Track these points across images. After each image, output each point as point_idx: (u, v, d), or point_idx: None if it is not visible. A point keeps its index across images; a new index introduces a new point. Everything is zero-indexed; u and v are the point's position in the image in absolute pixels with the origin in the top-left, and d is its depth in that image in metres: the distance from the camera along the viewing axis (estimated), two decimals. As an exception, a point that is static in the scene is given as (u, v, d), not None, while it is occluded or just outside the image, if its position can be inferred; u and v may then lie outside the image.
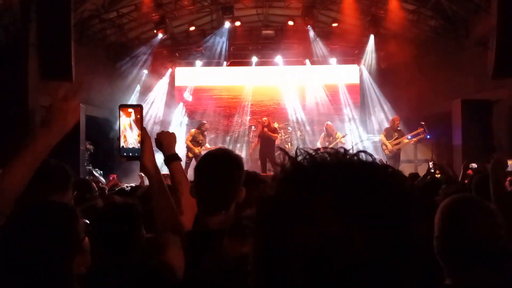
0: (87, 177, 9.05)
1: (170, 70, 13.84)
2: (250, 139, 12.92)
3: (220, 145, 12.58)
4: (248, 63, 13.82)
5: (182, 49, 13.90)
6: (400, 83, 12.97)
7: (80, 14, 10.70)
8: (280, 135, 12.07)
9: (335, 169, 0.60)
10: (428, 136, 11.09)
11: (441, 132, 11.12)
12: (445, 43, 11.82)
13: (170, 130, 2.14)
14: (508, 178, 3.98)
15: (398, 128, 10.36)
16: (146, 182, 7.01)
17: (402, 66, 12.46)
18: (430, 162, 7.66)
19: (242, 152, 12.99)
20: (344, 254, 0.55)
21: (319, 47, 13.06)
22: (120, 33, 12.48)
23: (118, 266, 1.70)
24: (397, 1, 11.16)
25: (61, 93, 1.51)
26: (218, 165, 1.76)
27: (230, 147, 13.05)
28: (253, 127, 13.11)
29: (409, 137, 10.29)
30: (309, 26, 12.39)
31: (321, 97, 13.78)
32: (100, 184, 7.50)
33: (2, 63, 7.99)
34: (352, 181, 0.58)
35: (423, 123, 10.49)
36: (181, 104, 13.88)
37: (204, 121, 11.71)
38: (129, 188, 4.97)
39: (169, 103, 13.65)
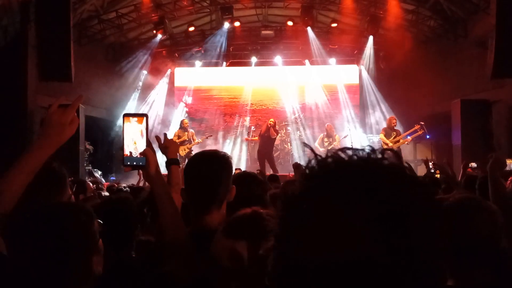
0: (87, 177, 9.07)
1: (169, 70, 13.85)
2: (251, 135, 12.89)
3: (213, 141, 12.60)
4: (247, 64, 13.83)
5: (181, 49, 13.91)
6: (399, 83, 12.99)
7: (80, 15, 10.71)
8: (279, 135, 12.08)
9: (364, 170, 0.59)
10: (428, 136, 11.10)
11: (441, 132, 11.13)
12: (444, 43, 11.83)
13: (170, 130, 2.24)
14: (510, 178, 3.97)
15: (395, 128, 10.38)
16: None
17: (401, 66, 12.47)
18: (430, 162, 7.66)
19: (241, 152, 13.00)
20: (375, 253, 0.54)
21: (318, 47, 13.07)
22: (120, 34, 12.48)
23: (114, 264, 1.71)
24: (396, 1, 11.18)
25: (54, 107, 1.53)
26: (206, 165, 1.79)
27: (230, 147, 13.07)
28: (252, 127, 13.11)
29: (408, 136, 10.30)
30: (308, 26, 12.39)
31: (320, 97, 13.79)
32: (99, 185, 7.50)
33: (1, 64, 7.98)
34: (381, 182, 0.57)
35: (422, 123, 10.50)
36: (181, 104, 13.88)
37: (182, 118, 11.93)
38: (127, 188, 4.96)
39: (169, 103, 13.66)
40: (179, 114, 13.71)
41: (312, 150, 0.68)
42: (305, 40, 12.99)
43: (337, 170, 0.60)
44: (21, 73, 8.22)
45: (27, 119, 8.49)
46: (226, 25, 12.38)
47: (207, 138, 11.59)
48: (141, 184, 6.22)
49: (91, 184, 4.60)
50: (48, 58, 8.05)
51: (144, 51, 12.73)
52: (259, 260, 1.17)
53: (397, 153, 0.63)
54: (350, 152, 0.62)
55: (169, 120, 13.44)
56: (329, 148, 11.05)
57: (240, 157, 12.89)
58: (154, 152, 1.68)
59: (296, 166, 4.69)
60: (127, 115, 1.70)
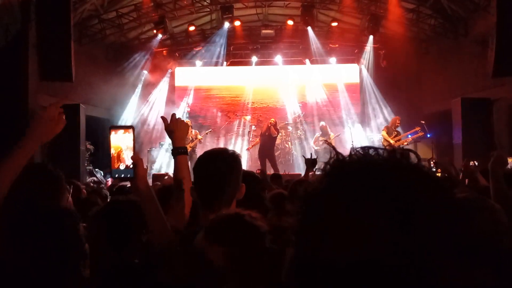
0: (87, 177, 9.07)
1: (170, 70, 13.84)
2: (250, 139, 12.92)
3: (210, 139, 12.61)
4: (248, 63, 13.82)
5: (182, 49, 13.90)
6: (400, 82, 12.97)
7: (80, 14, 10.71)
8: (280, 134, 12.08)
9: (386, 168, 0.59)
10: (429, 135, 11.09)
11: (441, 131, 11.12)
12: (444, 42, 11.82)
13: (185, 121, 2.10)
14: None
15: (397, 129, 10.40)
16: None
17: (401, 65, 12.46)
18: (432, 160, 7.65)
19: (242, 151, 12.99)
20: (399, 252, 0.54)
21: (318, 46, 13.06)
22: (120, 33, 12.48)
23: (117, 266, 1.70)
24: (397, 0, 11.16)
25: (54, 107, 1.55)
26: (216, 164, 1.77)
27: (231, 147, 13.06)
28: (253, 126, 13.12)
29: (409, 135, 10.30)
30: (308, 25, 12.37)
31: (320, 97, 13.79)
32: (100, 184, 7.51)
33: (2, 63, 7.98)
34: (404, 182, 0.57)
35: (423, 122, 10.50)
36: (182, 104, 13.88)
37: (185, 118, 12.01)
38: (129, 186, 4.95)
39: (170, 103, 13.65)
40: (180, 114, 13.71)
41: (334, 148, 0.67)
42: (305, 39, 12.98)
43: (361, 169, 0.60)
44: (21, 72, 8.21)
45: (27, 119, 8.49)
46: (227, 24, 12.37)
47: (207, 133, 11.67)
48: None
49: (80, 185, 4.57)
50: (48, 57, 8.04)
51: (145, 50, 12.73)
52: (239, 263, 1.15)
53: (416, 154, 0.62)
54: (372, 152, 0.62)
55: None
56: (323, 147, 11.09)
57: (241, 157, 12.86)
58: (142, 164, 1.66)
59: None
60: (113, 127, 1.69)
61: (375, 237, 0.54)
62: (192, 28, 12.50)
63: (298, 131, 13.21)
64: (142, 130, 12.71)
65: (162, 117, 2.06)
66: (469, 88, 10.52)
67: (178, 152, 1.99)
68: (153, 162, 11.78)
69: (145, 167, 1.67)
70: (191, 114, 13.69)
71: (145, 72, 13.25)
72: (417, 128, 10.23)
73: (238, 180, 1.79)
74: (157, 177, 9.03)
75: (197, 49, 13.45)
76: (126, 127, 1.69)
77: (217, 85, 14.10)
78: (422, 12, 11.64)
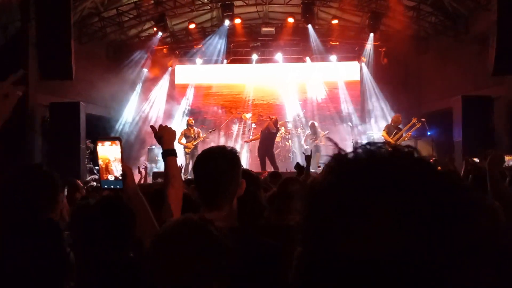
0: (87, 175, 9.08)
1: (170, 68, 13.84)
2: (251, 136, 12.93)
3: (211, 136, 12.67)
4: (248, 61, 13.81)
5: (182, 47, 13.89)
6: (400, 79, 12.97)
7: (80, 13, 10.71)
8: (280, 132, 12.09)
9: (395, 164, 0.58)
10: (429, 133, 11.09)
11: (442, 129, 11.12)
12: (445, 39, 11.81)
13: (172, 128, 2.21)
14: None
15: (399, 126, 10.37)
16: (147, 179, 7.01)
17: (402, 63, 12.45)
18: (431, 158, 7.65)
19: (242, 149, 12.99)
20: (408, 252, 0.53)
21: (319, 44, 13.04)
22: (120, 31, 12.48)
23: (109, 264, 1.70)
24: (397, -3, 11.15)
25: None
26: (215, 162, 1.77)
27: (231, 145, 13.03)
28: (253, 124, 13.12)
29: (407, 131, 10.26)
30: (309, 23, 12.36)
31: (321, 94, 13.78)
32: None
33: (2, 62, 7.99)
34: (414, 177, 0.56)
35: (423, 119, 10.48)
36: (183, 102, 13.89)
37: (187, 117, 12.19)
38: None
39: (170, 100, 13.65)
40: (180, 111, 13.72)
41: (336, 144, 0.65)
42: (306, 37, 12.97)
43: (369, 164, 0.58)
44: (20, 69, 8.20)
45: (27, 117, 8.50)
46: (227, 22, 12.35)
47: (210, 133, 11.73)
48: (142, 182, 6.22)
49: (79, 182, 4.59)
50: (48, 56, 8.05)
51: (145, 48, 12.72)
52: (190, 266, 1.12)
53: (417, 150, 0.62)
54: (375, 148, 0.60)
55: (170, 118, 13.43)
56: (312, 145, 11.06)
57: (241, 155, 12.89)
58: (132, 174, 1.67)
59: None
60: (100, 139, 1.70)
61: (388, 235, 0.53)
62: (192, 26, 12.49)
63: (299, 129, 13.21)
64: (143, 128, 12.72)
65: (151, 126, 2.16)
66: (469, 86, 10.51)
67: (168, 153, 2.09)
68: (154, 160, 11.80)
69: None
70: (191, 112, 13.70)
71: (145, 70, 13.25)
72: (414, 120, 10.14)
73: (238, 177, 1.80)
74: (158, 175, 9.05)
75: (197, 47, 13.44)
76: (112, 139, 1.70)
77: (217, 83, 14.11)
78: (422, 10, 11.63)
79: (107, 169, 1.68)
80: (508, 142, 9.27)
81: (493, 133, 9.76)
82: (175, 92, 13.98)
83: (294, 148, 12.89)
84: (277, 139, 11.96)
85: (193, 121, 11.65)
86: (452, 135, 10.37)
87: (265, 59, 13.78)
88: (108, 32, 12.22)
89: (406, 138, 10.19)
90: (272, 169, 9.72)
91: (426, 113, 11.87)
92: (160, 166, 11.70)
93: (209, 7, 12.57)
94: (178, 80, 14.09)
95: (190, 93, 14.00)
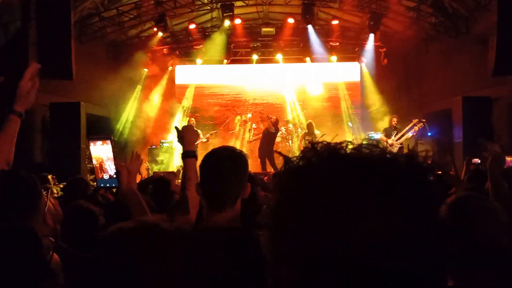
0: (88, 175, 9.07)
1: (170, 68, 13.84)
2: (251, 137, 12.92)
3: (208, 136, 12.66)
4: (248, 61, 13.81)
5: (182, 47, 13.89)
6: (401, 80, 12.96)
7: (80, 12, 10.70)
8: (280, 132, 12.08)
9: (374, 160, 0.59)
10: (429, 133, 11.08)
11: (442, 129, 11.11)
12: (445, 40, 11.80)
13: (195, 129, 2.23)
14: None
15: (397, 127, 10.37)
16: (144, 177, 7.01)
17: (402, 63, 12.45)
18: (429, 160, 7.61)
19: (242, 148, 12.98)
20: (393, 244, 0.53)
21: (319, 44, 13.04)
22: (120, 31, 12.47)
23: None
24: (397, -2, 11.15)
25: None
26: (223, 163, 1.77)
27: (231, 145, 13.03)
28: (253, 125, 13.11)
29: (410, 134, 10.27)
30: (309, 23, 12.35)
31: (321, 95, 13.78)
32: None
33: (1, 62, 7.99)
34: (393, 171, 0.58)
35: (423, 120, 10.48)
36: (182, 102, 13.88)
37: (188, 117, 12.25)
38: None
39: (170, 101, 13.65)
40: (180, 112, 13.71)
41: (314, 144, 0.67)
42: (306, 37, 12.96)
43: (353, 160, 0.59)
44: (21, 70, 8.20)
45: (27, 117, 8.48)
46: (227, 22, 12.35)
47: (211, 135, 11.73)
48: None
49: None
50: (48, 56, 8.04)
51: (145, 48, 12.71)
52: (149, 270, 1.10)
53: (411, 151, 0.62)
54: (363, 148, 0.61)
55: (171, 118, 13.43)
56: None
57: (248, 157, 12.86)
58: (126, 172, 1.66)
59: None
60: (91, 139, 1.70)
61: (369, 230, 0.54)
62: (192, 26, 12.49)
63: (299, 129, 13.20)
64: (143, 129, 12.71)
65: (175, 127, 2.21)
66: (470, 86, 10.50)
67: (187, 155, 2.10)
68: (154, 160, 11.79)
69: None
70: (192, 112, 13.69)
71: (146, 70, 13.25)
72: (414, 121, 10.15)
73: (244, 180, 1.80)
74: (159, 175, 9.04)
75: (197, 47, 13.44)
76: (103, 138, 1.70)
77: (217, 83, 14.10)
78: (423, 10, 11.62)
79: (101, 168, 1.69)
80: (509, 142, 9.27)
81: (493, 134, 9.75)
82: (175, 92, 13.97)
83: (294, 149, 12.88)
84: (278, 139, 11.96)
85: (194, 122, 11.66)
86: (453, 136, 10.36)
87: (265, 59, 13.78)
88: (108, 32, 12.21)
89: (406, 138, 10.19)
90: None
91: (427, 114, 11.87)
92: (160, 167, 11.69)
93: (209, 8, 12.56)
94: (178, 80, 14.08)
95: (190, 93, 13.99)
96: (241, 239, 1.72)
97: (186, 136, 2.11)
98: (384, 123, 11.70)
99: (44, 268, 1.30)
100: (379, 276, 0.53)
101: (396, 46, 11.93)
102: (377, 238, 0.53)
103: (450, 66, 11.21)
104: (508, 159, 6.53)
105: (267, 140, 10.89)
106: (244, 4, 12.43)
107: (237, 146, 12.89)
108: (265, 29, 13.45)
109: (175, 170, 10.86)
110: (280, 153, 0.70)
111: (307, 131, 11.25)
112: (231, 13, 11.94)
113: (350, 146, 0.61)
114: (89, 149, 1.69)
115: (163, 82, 13.73)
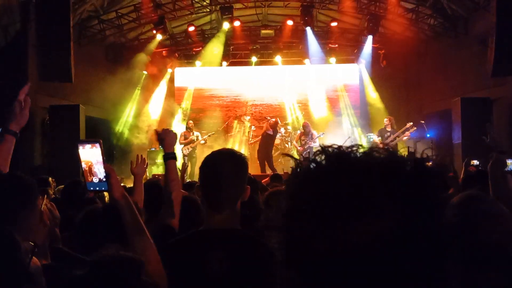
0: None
1: (169, 70, 13.84)
2: (250, 139, 12.92)
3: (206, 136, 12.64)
4: (247, 63, 13.82)
5: (181, 49, 13.90)
6: (400, 81, 12.98)
7: (79, 15, 10.72)
8: (279, 134, 12.08)
9: (381, 163, 0.60)
10: (428, 135, 11.09)
11: (441, 131, 11.12)
12: (444, 41, 11.82)
13: (174, 131, 2.28)
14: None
15: (391, 129, 10.37)
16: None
17: (401, 65, 12.46)
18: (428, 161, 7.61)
19: (241, 151, 12.98)
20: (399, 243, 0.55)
21: (318, 46, 13.05)
22: (120, 34, 12.48)
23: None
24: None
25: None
26: (224, 164, 1.77)
27: (229, 147, 13.03)
28: (253, 127, 13.11)
29: (404, 137, 10.25)
30: (308, 25, 12.36)
31: (320, 97, 13.78)
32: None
33: (1, 64, 7.99)
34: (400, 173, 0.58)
35: (422, 121, 10.49)
36: (182, 104, 13.88)
37: (187, 119, 12.45)
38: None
39: (170, 103, 13.64)
40: (180, 114, 13.71)
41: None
42: (305, 39, 12.97)
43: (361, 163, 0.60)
44: (21, 73, 8.21)
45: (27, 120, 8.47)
46: (226, 24, 12.37)
47: (209, 136, 11.72)
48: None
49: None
50: (48, 58, 8.06)
51: (144, 51, 12.71)
52: None
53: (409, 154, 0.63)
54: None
55: (170, 120, 13.43)
56: (306, 146, 10.95)
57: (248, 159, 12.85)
58: (115, 175, 1.67)
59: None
60: (80, 142, 1.70)
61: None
62: (191, 28, 12.50)
63: (298, 131, 13.20)
64: (142, 131, 12.70)
65: (155, 130, 2.27)
66: (469, 87, 10.52)
67: (169, 157, 2.19)
68: (153, 162, 11.78)
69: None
70: (190, 115, 13.68)
71: (145, 72, 13.25)
72: (408, 125, 10.16)
73: (244, 182, 1.80)
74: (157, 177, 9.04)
75: (196, 49, 13.45)
76: (92, 142, 1.70)
77: (216, 85, 14.10)
78: (421, 12, 11.64)
79: (91, 172, 1.70)
80: (509, 143, 9.27)
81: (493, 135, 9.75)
82: (174, 95, 13.97)
83: (294, 151, 12.88)
84: (277, 141, 11.94)
85: (192, 124, 11.68)
86: (452, 137, 10.37)
87: (264, 61, 13.79)
88: (108, 35, 12.22)
89: (402, 139, 10.18)
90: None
91: (426, 115, 11.88)
92: (159, 169, 11.67)
93: (208, 10, 12.58)
94: (178, 83, 14.09)
95: (189, 95, 13.99)
96: (240, 241, 1.72)
97: (166, 138, 2.17)
98: (383, 124, 11.71)
99: (22, 272, 1.27)
100: (393, 279, 0.54)
101: (395, 47, 11.95)
102: (385, 240, 0.55)
103: (449, 67, 11.23)
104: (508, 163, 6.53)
105: (266, 142, 10.86)
106: (243, 6, 12.45)
107: (237, 148, 12.90)
108: (264, 31, 13.47)
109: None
110: (291, 156, 0.71)
111: (303, 131, 11.22)
112: (230, 16, 11.95)
113: (361, 150, 0.62)
114: (77, 153, 1.69)
115: (163, 84, 13.74)
